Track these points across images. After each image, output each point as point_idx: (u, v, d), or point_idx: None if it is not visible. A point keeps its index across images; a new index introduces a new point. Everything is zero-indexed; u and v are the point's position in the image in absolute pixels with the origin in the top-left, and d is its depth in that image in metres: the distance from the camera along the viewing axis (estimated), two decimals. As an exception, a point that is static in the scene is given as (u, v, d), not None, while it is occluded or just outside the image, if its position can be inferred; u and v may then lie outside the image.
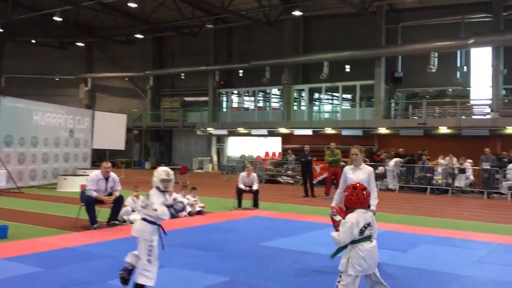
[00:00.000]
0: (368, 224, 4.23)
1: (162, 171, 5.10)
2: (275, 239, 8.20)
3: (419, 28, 24.61)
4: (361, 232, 4.18)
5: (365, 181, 6.49)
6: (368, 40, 25.20)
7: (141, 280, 4.80)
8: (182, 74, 32.21)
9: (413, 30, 24.78)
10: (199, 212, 10.91)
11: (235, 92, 31.99)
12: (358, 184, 4.41)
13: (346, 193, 4.37)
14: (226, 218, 10.62)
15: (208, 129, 29.73)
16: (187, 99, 33.39)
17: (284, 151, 25.44)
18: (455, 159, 18.50)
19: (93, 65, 36.69)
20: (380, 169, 19.12)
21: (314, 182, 17.46)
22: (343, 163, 19.30)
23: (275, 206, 13.03)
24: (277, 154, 27.77)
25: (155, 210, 4.91)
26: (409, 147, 21.19)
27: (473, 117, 23.23)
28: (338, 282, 4.21)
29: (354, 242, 4.18)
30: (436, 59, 22.72)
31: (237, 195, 12.21)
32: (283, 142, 27.46)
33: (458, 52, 23.66)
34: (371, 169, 6.72)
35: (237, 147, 30.92)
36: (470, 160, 18.17)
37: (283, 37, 27.96)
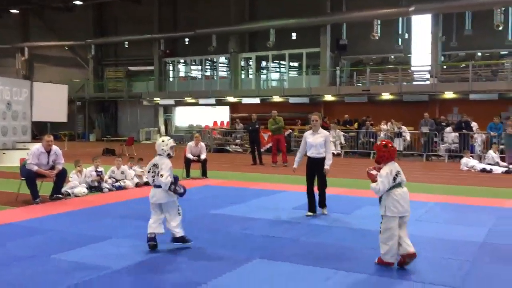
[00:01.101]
0: (398, 172, 4.95)
1: (168, 140, 5.73)
2: (224, 207, 8.28)
3: (363, -5, 24.94)
4: (394, 179, 4.92)
5: (322, 144, 7.34)
6: (313, 7, 25.29)
7: (180, 233, 5.59)
8: (126, 42, 31.19)
9: (357, -2, 25.10)
10: (146, 183, 10.78)
11: (182, 61, 31.44)
12: (385, 142, 5.14)
13: (376, 150, 5.13)
14: (174, 188, 10.56)
15: (154, 99, 29.19)
16: (131, 68, 32.50)
17: (232, 120, 25.45)
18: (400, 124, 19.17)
19: (30, 34, 34.81)
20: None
21: (262, 150, 17.65)
22: (291, 131, 19.65)
23: (224, 174, 13.10)
24: (225, 123, 27.75)
25: (162, 176, 5.44)
26: (354, 113, 21.77)
27: (414, 83, 24.08)
28: (381, 223, 4.97)
29: (389, 189, 4.90)
30: (379, 26, 23.20)
31: (185, 164, 12.16)
32: (231, 111, 27.44)
33: (400, 19, 24.26)
34: (327, 133, 7.63)
35: (185, 117, 30.62)
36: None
37: (229, 4, 27.55)
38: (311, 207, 7.63)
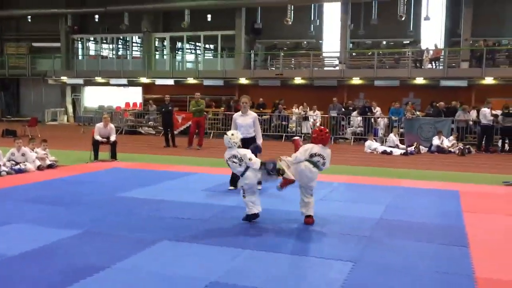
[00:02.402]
0: (319, 154, 5.89)
1: (236, 132, 6.40)
2: (133, 189, 8.12)
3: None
4: (311, 156, 5.87)
5: (251, 124, 8.07)
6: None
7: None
8: (29, 16, 29.03)
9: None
10: (50, 166, 10.28)
11: (91, 38, 29.95)
12: (322, 128, 6.23)
13: (314, 133, 6.15)
14: (81, 171, 10.18)
15: (61, 78, 27.63)
16: (35, 44, 30.38)
17: (145, 102, 24.85)
18: (308, 108, 19.85)
19: None
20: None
21: (176, 132, 17.47)
22: (205, 113, 19.55)
23: (135, 157, 12.81)
24: (138, 105, 27.02)
25: (250, 159, 5.99)
26: (268, 97, 22.15)
27: (324, 68, 24.95)
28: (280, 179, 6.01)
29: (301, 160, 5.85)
30: (292, 12, 23.65)
31: (93, 147, 11.72)
32: (144, 92, 26.76)
33: (312, 6, 24.92)
34: (255, 115, 8.31)
35: (95, 97, 29.34)
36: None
37: (142, -19, 26.62)
38: (234, 182, 8.11)
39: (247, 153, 6.08)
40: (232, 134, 6.21)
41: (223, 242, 5.26)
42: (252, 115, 8.19)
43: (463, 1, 22.06)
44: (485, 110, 15.70)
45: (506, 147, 15.69)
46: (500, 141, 16.02)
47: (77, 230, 5.55)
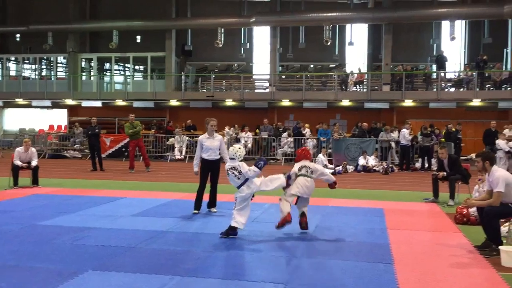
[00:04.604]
0: (304, 166, 6.88)
1: (243, 147, 7.26)
2: (55, 217, 7.70)
3: (207, 3, 25.57)
4: (299, 170, 6.85)
5: (218, 147, 8.18)
6: (158, 11, 25.10)
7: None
8: None
9: (202, 5, 25.60)
10: (-37, 194, 9.54)
11: (12, 58, 28.51)
12: (303, 148, 7.70)
13: (298, 154, 7.40)
14: (-2, 199, 9.53)
15: (-22, 99, 25.96)
16: (-51, 64, 28.44)
17: (71, 124, 23.89)
18: (239, 129, 19.95)
19: None
20: (171, 140, 19.56)
21: (104, 155, 16.90)
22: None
23: (59, 182, 12.20)
24: (63, 127, 25.92)
25: (250, 171, 6.48)
26: (199, 119, 22.03)
27: (255, 90, 25.32)
28: (284, 195, 6.85)
29: (296, 176, 6.85)
30: (223, 34, 23.92)
31: (13, 172, 11.04)
32: (70, 114, 25.73)
33: (242, 29, 25.36)
34: (221, 137, 8.51)
35: (16, 120, 27.79)
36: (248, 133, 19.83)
37: (68, 0, 25.82)
38: (198, 206, 8.22)
39: (247, 166, 6.52)
40: (239, 148, 6.67)
41: (152, 269, 5.09)
42: (218, 137, 8.26)
43: (383, 28, 23.37)
44: (404, 131, 16.57)
45: (426, 165, 16.59)
46: (420, 159, 16.95)
47: (-8, 264, 5.15)
